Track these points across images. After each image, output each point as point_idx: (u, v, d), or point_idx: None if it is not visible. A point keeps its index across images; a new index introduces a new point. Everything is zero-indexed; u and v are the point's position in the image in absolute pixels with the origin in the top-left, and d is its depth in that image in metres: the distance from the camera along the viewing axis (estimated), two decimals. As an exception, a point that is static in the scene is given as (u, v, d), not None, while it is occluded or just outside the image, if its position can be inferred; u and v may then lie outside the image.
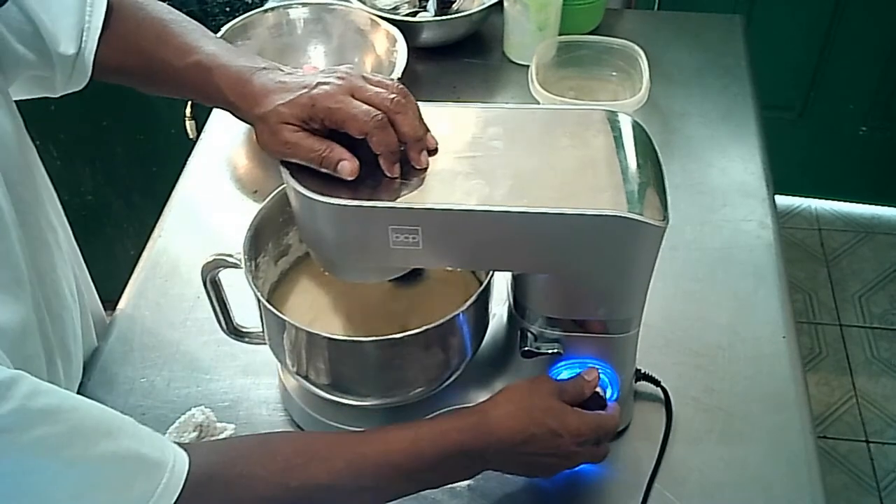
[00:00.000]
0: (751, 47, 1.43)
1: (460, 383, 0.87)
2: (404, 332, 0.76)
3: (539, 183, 0.72)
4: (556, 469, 0.81)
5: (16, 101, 0.82)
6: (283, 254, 0.91)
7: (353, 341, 0.78)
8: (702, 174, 1.22)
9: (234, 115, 0.78)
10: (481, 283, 0.81)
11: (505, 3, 1.36)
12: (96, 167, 2.02)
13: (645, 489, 0.87)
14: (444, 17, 1.38)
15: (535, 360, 0.83)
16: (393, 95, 0.72)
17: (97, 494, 0.61)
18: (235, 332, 0.91)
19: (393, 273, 0.81)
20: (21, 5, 0.77)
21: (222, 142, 1.29)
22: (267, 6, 1.36)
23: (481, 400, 0.81)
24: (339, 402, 0.86)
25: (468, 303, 0.78)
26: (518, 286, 0.82)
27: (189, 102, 1.29)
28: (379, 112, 0.71)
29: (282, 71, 0.76)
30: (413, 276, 0.86)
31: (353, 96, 0.72)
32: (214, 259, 0.84)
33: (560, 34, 1.37)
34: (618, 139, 0.76)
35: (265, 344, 0.87)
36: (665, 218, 0.71)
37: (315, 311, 0.89)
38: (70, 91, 0.85)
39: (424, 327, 0.76)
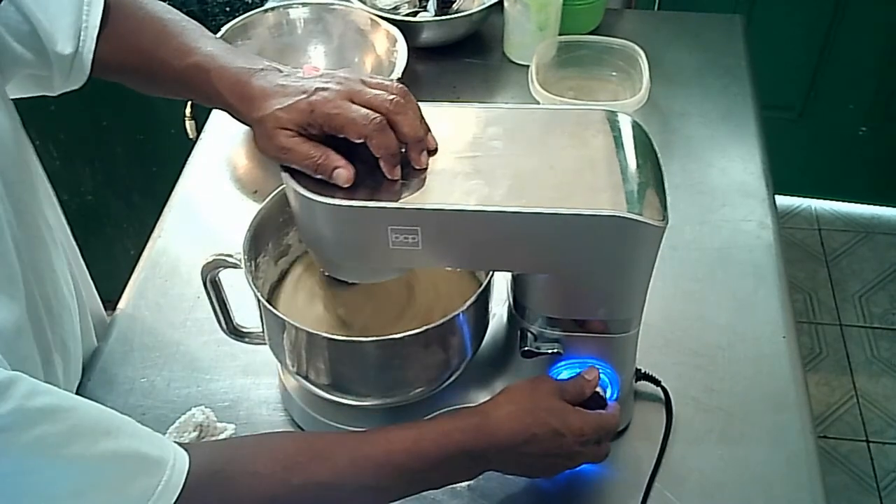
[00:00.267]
0: (751, 47, 1.43)
1: (460, 383, 0.87)
2: (404, 332, 0.76)
3: (539, 183, 0.72)
4: (557, 469, 0.82)
5: (14, 100, 0.82)
6: (283, 254, 0.91)
7: (353, 341, 0.78)
8: (701, 174, 1.22)
9: (232, 116, 0.78)
10: (481, 284, 0.81)
11: (505, 3, 1.36)
12: (96, 167, 2.02)
13: (645, 489, 0.87)
14: (444, 17, 1.38)
15: (535, 360, 0.83)
16: (392, 96, 0.72)
17: (98, 493, 0.61)
18: (235, 332, 0.91)
19: (393, 273, 0.81)
20: (18, 4, 0.77)
21: (222, 142, 1.29)
22: (267, 6, 1.36)
23: (482, 400, 0.81)
24: (339, 402, 0.86)
25: (468, 303, 0.78)
26: (518, 286, 0.82)
27: (189, 102, 1.29)
28: (377, 115, 0.70)
29: (281, 72, 0.76)
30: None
31: (352, 101, 0.71)
32: (214, 259, 0.84)
33: (560, 34, 1.37)
34: (617, 139, 0.76)
35: (265, 344, 0.87)
36: (664, 218, 0.71)
37: (315, 311, 0.89)
38: (68, 90, 0.85)
39: (424, 327, 0.76)
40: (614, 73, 1.31)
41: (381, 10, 1.39)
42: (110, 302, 1.08)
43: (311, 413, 0.90)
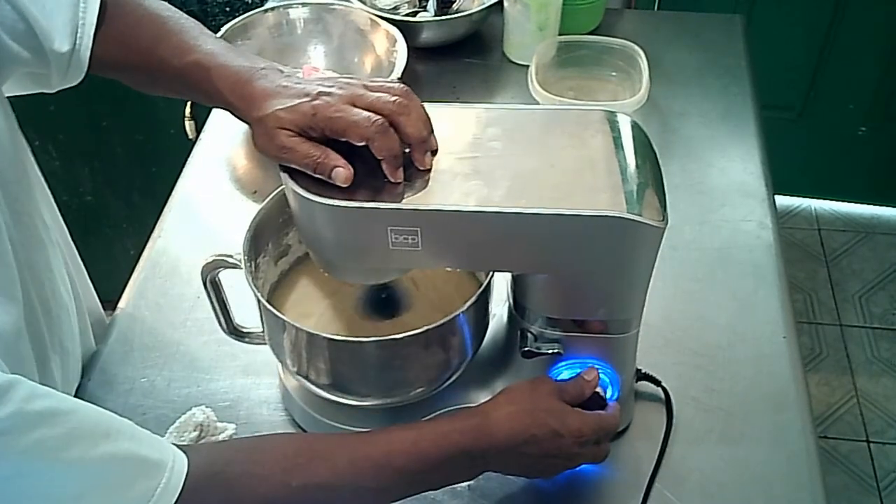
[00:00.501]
0: (751, 47, 1.43)
1: (461, 383, 0.87)
2: (405, 332, 0.76)
3: (538, 183, 0.72)
4: (557, 469, 0.81)
5: (13, 100, 0.81)
6: (283, 254, 0.91)
7: (354, 341, 0.78)
8: (701, 174, 1.22)
9: (232, 114, 0.78)
10: (481, 284, 0.81)
11: (505, 3, 1.36)
12: (95, 167, 2.02)
13: (645, 489, 0.87)
14: (444, 17, 1.38)
15: (535, 360, 0.83)
16: (395, 98, 0.72)
17: (97, 495, 0.61)
18: (236, 333, 0.91)
19: (393, 274, 0.81)
20: (14, 3, 0.76)
21: (222, 142, 1.29)
22: (267, 6, 1.36)
23: (482, 400, 0.81)
24: (339, 403, 0.86)
25: (468, 303, 0.78)
26: (518, 286, 0.82)
27: (188, 102, 1.29)
28: (380, 117, 0.70)
29: (281, 73, 0.76)
30: (389, 312, 0.87)
31: (354, 105, 0.71)
32: (214, 259, 0.84)
33: (560, 34, 1.37)
34: (617, 139, 0.76)
35: (265, 344, 0.87)
36: (664, 218, 0.71)
37: (315, 311, 0.89)
38: (65, 87, 0.85)
39: (425, 327, 0.76)
40: (614, 73, 1.31)
41: (380, 10, 1.39)
42: (110, 302, 1.08)
43: (311, 413, 0.90)
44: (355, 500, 0.75)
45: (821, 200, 2.55)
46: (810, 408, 0.95)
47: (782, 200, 2.50)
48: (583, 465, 0.82)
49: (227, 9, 1.75)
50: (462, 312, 0.78)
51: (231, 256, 0.83)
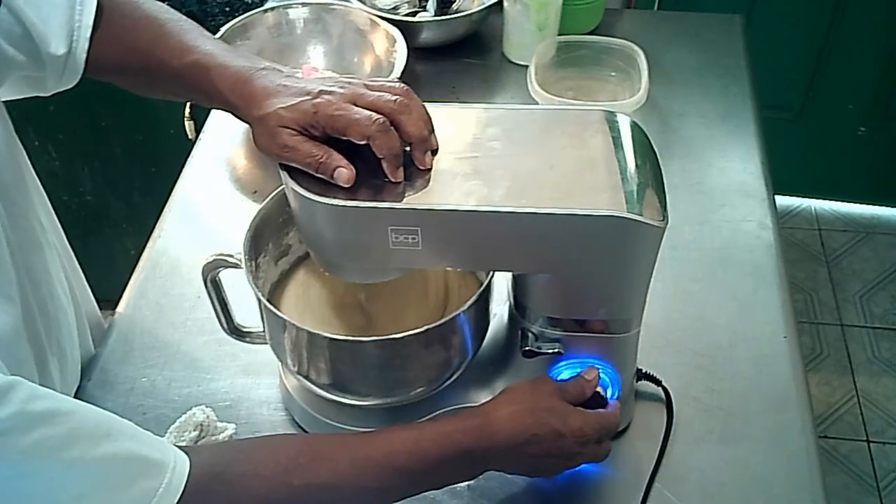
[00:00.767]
0: (750, 47, 1.43)
1: (461, 383, 0.87)
2: (405, 332, 0.76)
3: (538, 183, 0.72)
4: (558, 469, 0.81)
5: (9, 102, 0.81)
6: (284, 254, 0.91)
7: (354, 341, 0.78)
8: (701, 174, 1.22)
9: (232, 114, 0.78)
10: (481, 284, 0.81)
11: (504, 3, 1.36)
12: (95, 167, 2.02)
13: (645, 489, 0.87)
14: (443, 17, 1.38)
15: (535, 359, 0.83)
16: (396, 97, 0.72)
17: (98, 495, 0.61)
18: (236, 332, 0.91)
19: (393, 274, 0.81)
20: (10, 6, 0.76)
21: (222, 142, 1.29)
22: (266, 6, 1.36)
23: (482, 400, 0.81)
24: (339, 402, 0.86)
25: (469, 303, 0.78)
26: (518, 286, 0.82)
27: (188, 103, 1.29)
28: (381, 116, 0.70)
29: (281, 73, 0.76)
30: None
31: (355, 104, 0.71)
32: (215, 259, 0.84)
33: (559, 34, 1.37)
34: (616, 139, 0.76)
35: (266, 344, 0.87)
36: (664, 218, 0.71)
37: (316, 310, 0.89)
38: (61, 90, 0.85)
39: (425, 327, 0.76)
40: (613, 73, 1.31)
41: (380, 10, 1.39)
42: (110, 302, 1.08)
43: (311, 413, 0.90)
44: (356, 500, 0.75)
45: (821, 200, 2.55)
46: (811, 408, 0.95)
47: (783, 200, 2.51)
48: (583, 465, 0.82)
49: (227, 9, 1.75)
50: (463, 312, 0.78)
51: (231, 256, 0.83)
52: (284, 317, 0.78)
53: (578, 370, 0.82)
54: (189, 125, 1.33)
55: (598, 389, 0.82)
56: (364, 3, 1.39)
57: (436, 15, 1.41)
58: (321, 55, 1.37)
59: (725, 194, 1.19)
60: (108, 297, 1.10)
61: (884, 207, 2.52)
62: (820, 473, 0.89)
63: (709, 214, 1.16)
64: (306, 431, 0.91)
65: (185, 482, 0.65)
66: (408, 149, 0.73)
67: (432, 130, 0.74)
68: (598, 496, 0.88)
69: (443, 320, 0.77)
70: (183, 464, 0.66)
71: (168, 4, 0.85)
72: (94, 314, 1.06)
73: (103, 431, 0.63)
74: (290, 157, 0.72)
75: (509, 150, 0.75)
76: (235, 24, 1.31)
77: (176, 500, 0.64)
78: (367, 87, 0.73)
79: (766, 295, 1.05)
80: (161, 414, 0.94)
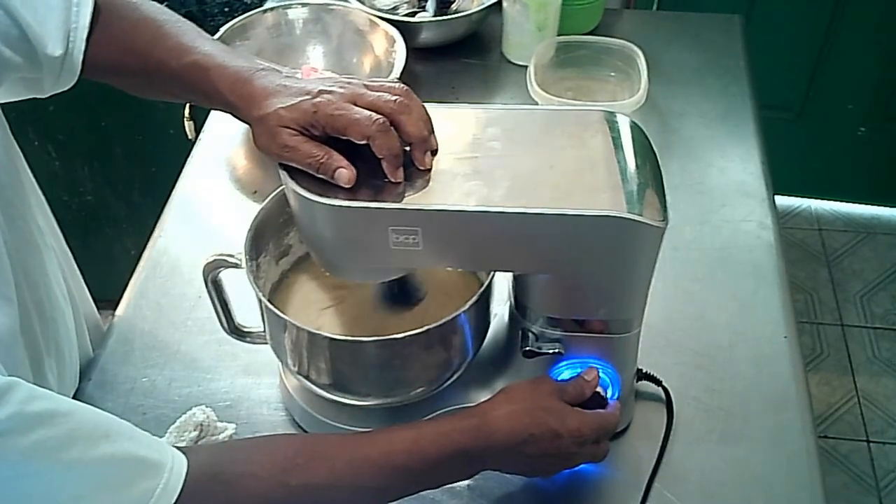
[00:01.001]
0: (750, 47, 1.43)
1: (461, 383, 0.87)
2: (405, 332, 0.76)
3: (538, 183, 0.72)
4: (556, 469, 0.82)
5: (6, 104, 0.81)
6: (284, 254, 0.91)
7: (355, 341, 0.78)
8: (701, 174, 1.22)
9: (232, 115, 0.78)
10: (482, 284, 0.81)
11: (504, 4, 1.36)
12: (95, 167, 2.02)
13: (645, 489, 0.87)
14: (442, 18, 1.38)
15: (536, 359, 0.83)
16: (395, 97, 0.72)
17: (97, 496, 0.61)
18: (236, 332, 0.91)
19: (394, 273, 0.81)
20: (6, 8, 0.76)
21: (221, 142, 1.29)
22: (266, 6, 1.36)
23: (482, 400, 0.81)
24: (340, 402, 0.86)
25: (469, 303, 0.78)
26: (519, 286, 0.82)
27: (187, 103, 1.29)
28: (381, 116, 0.70)
29: (281, 73, 0.76)
30: (409, 301, 0.86)
31: (355, 104, 0.71)
32: (215, 259, 0.84)
33: (559, 34, 1.37)
34: (616, 140, 0.76)
35: (266, 343, 0.87)
36: (665, 218, 0.71)
37: (316, 310, 0.89)
38: (58, 91, 0.85)
39: (426, 327, 0.76)
40: (613, 74, 1.31)
41: (379, 10, 1.39)
42: (110, 302, 1.08)
43: (311, 413, 0.90)
44: (355, 500, 0.75)
45: (821, 201, 2.55)
46: (811, 408, 0.95)
47: (783, 201, 2.51)
48: (582, 465, 0.82)
49: (226, 9, 1.75)
50: (463, 312, 0.78)
51: (232, 256, 0.83)
52: (285, 316, 0.78)
53: (579, 370, 0.82)
54: (189, 125, 1.33)
55: (598, 389, 0.82)
56: (363, 3, 1.39)
57: (435, 15, 1.41)
58: (320, 55, 1.37)
59: (725, 194, 1.19)
60: (108, 298, 1.10)
61: (884, 207, 2.52)
62: (820, 473, 0.89)
63: (709, 214, 1.16)
64: (306, 431, 0.92)
65: (182, 482, 0.65)
66: (408, 149, 0.73)
67: (432, 131, 0.74)
68: (597, 496, 0.88)
69: (443, 320, 0.77)
70: (180, 464, 0.66)
71: (167, 5, 0.85)
72: (92, 316, 1.06)
73: (102, 432, 0.63)
74: (291, 157, 0.72)
75: (509, 150, 0.75)
76: (235, 24, 1.31)
77: (173, 500, 0.64)
78: (366, 87, 0.73)
79: (767, 295, 1.05)
80: (161, 414, 0.94)
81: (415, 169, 0.73)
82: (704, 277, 1.08)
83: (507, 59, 1.42)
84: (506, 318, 0.88)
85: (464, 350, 0.84)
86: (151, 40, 0.81)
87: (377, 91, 0.73)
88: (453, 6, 1.42)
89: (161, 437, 0.88)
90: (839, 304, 2.31)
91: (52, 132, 1.93)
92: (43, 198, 0.94)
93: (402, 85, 0.74)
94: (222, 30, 1.29)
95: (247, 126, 0.76)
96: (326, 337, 0.78)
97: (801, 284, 2.35)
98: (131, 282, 1.09)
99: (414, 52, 1.32)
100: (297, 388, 0.92)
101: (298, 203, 0.74)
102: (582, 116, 0.79)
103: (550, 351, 0.82)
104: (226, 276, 0.86)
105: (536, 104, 1.23)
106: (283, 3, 1.36)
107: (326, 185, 0.71)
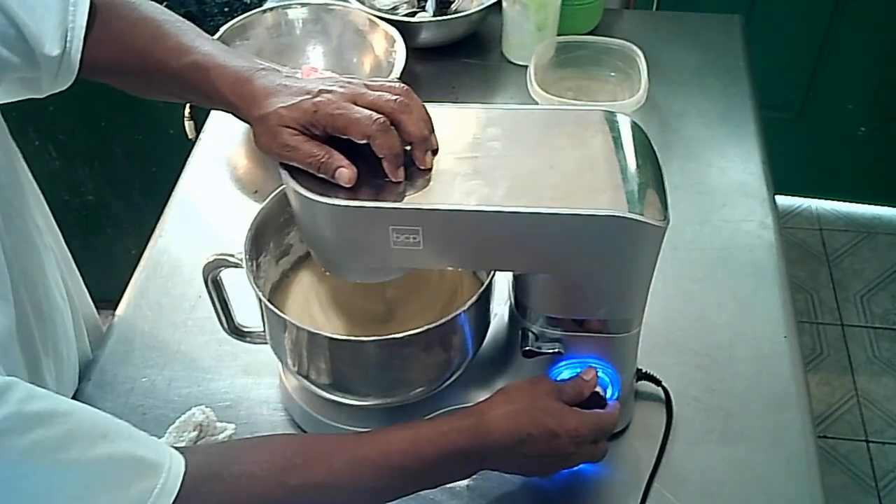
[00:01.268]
0: (750, 47, 1.43)
1: (461, 383, 0.87)
2: (405, 331, 0.76)
3: (538, 183, 0.72)
4: (554, 469, 0.82)
5: (5, 105, 0.81)
6: (285, 253, 0.91)
7: (355, 341, 0.78)
8: (701, 174, 1.22)
9: (232, 114, 0.78)
10: (482, 283, 0.81)
11: (504, 4, 1.36)
12: (95, 167, 2.02)
13: (644, 489, 0.87)
14: (442, 18, 1.38)
15: (536, 359, 0.83)
16: (396, 97, 0.72)
17: (95, 496, 0.61)
18: (236, 332, 0.91)
19: (394, 273, 0.81)
20: (3, 9, 0.75)
21: (222, 142, 1.29)
22: (265, 6, 1.36)
23: (481, 400, 0.81)
24: (339, 402, 0.86)
25: (469, 302, 0.78)
26: (519, 286, 0.82)
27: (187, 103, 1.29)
28: (381, 116, 0.70)
29: (281, 73, 0.76)
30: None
31: (355, 103, 0.71)
32: (216, 259, 0.84)
33: (558, 34, 1.37)
34: (616, 139, 0.76)
35: (266, 343, 0.87)
36: (665, 218, 0.71)
37: (316, 310, 0.89)
38: (55, 91, 0.84)
39: (426, 327, 0.76)
40: (613, 74, 1.31)
41: (379, 10, 1.39)
42: (111, 302, 1.08)
43: (311, 413, 0.90)
44: (353, 500, 0.75)
45: (822, 200, 2.55)
46: (810, 408, 0.95)
47: (784, 200, 2.51)
48: (581, 465, 0.82)
49: (226, 9, 1.75)
50: (463, 312, 0.78)
51: (232, 256, 0.83)
52: (285, 316, 0.78)
53: (578, 370, 0.82)
54: (189, 125, 1.33)
55: (598, 389, 0.82)
56: (363, 3, 1.39)
57: (435, 15, 1.41)
58: (320, 55, 1.37)
59: (726, 194, 1.19)
60: (108, 297, 1.10)
61: (885, 207, 2.52)
62: (819, 473, 0.89)
63: (709, 214, 1.16)
64: (306, 432, 0.92)
65: (180, 482, 0.65)
66: (408, 149, 0.73)
67: (432, 130, 0.74)
68: (597, 496, 0.88)
69: (443, 320, 0.77)
70: (178, 464, 0.66)
71: (166, 5, 0.85)
72: (91, 317, 1.06)
73: (100, 432, 0.63)
74: (292, 157, 0.72)
75: (510, 150, 0.75)
76: (234, 24, 1.31)
77: (171, 500, 0.64)
78: (367, 86, 0.73)
79: (767, 295, 1.05)
80: (161, 414, 0.94)
81: (415, 168, 0.73)
82: (704, 277, 1.08)
83: (507, 59, 1.42)
84: (506, 317, 0.88)
85: (463, 350, 0.84)
86: (151, 40, 0.81)
87: (377, 91, 0.73)
88: (453, 6, 1.42)
89: (160, 437, 0.88)
90: (839, 304, 2.31)
91: (53, 132, 1.93)
92: (42, 198, 0.94)
93: (403, 85, 0.74)
94: (222, 30, 1.29)
95: (247, 126, 0.76)
96: (326, 337, 0.78)
97: (801, 284, 2.35)
98: (131, 282, 1.09)
99: (414, 52, 1.32)
100: (296, 389, 0.92)
101: (299, 202, 0.74)
102: (582, 116, 0.79)
103: (550, 351, 0.82)
104: (226, 276, 0.86)
105: (536, 104, 1.23)
106: (282, 3, 1.36)
107: (327, 185, 0.71)
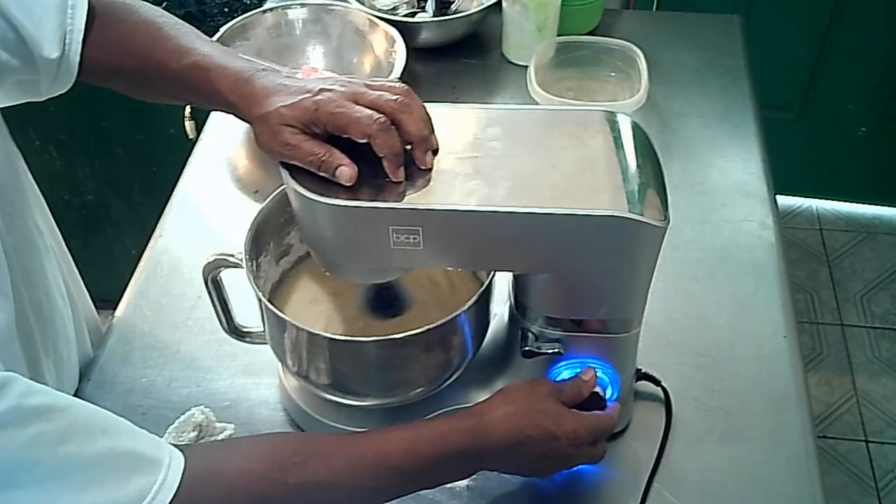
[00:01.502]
0: (750, 47, 1.43)
1: (461, 383, 0.87)
2: (405, 332, 0.76)
3: (539, 183, 0.72)
4: (552, 470, 0.82)
5: (5, 107, 0.81)
6: (285, 253, 0.91)
7: (354, 341, 0.78)
8: (701, 174, 1.22)
9: (233, 115, 0.78)
10: (482, 284, 0.81)
11: (504, 4, 1.37)
12: (96, 167, 2.02)
13: (644, 489, 0.87)
14: (442, 18, 1.39)
15: (535, 359, 0.83)
16: (396, 97, 0.72)
17: (95, 491, 0.61)
18: (236, 332, 0.91)
19: (394, 273, 0.81)
20: (1, 12, 0.76)
21: (222, 142, 1.29)
22: (265, 7, 1.36)
23: (481, 400, 0.81)
24: (339, 403, 0.86)
25: (469, 303, 0.78)
26: (519, 286, 0.82)
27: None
28: (381, 115, 0.70)
29: (281, 73, 0.76)
30: (392, 311, 0.87)
31: (355, 102, 0.71)
32: (216, 259, 0.84)
33: (558, 34, 1.37)
34: (617, 139, 0.76)
35: (266, 344, 0.87)
36: (666, 218, 0.71)
37: (316, 310, 0.89)
38: (54, 94, 0.84)
39: (425, 327, 0.76)
40: (613, 74, 1.31)
41: (379, 10, 1.39)
42: (111, 302, 1.08)
43: (311, 413, 0.90)
44: (352, 499, 0.75)
45: (823, 200, 2.55)
46: (810, 408, 0.95)
47: (784, 200, 2.51)
48: (581, 465, 0.82)
49: (226, 9, 1.75)
50: (463, 312, 0.78)
51: (232, 256, 0.83)
52: (285, 317, 0.78)
53: (578, 370, 0.82)
54: (189, 125, 1.33)
55: (598, 390, 0.82)
56: (363, 3, 1.39)
57: (435, 15, 1.41)
58: (320, 56, 1.37)
59: (726, 194, 1.19)
60: (108, 297, 1.10)
61: (885, 207, 2.52)
62: (819, 473, 0.89)
63: (709, 214, 1.16)
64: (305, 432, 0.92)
65: (179, 479, 0.65)
66: (408, 148, 0.73)
67: (433, 130, 0.74)
68: (597, 496, 0.88)
69: (443, 320, 0.77)
70: (178, 461, 0.66)
71: (167, 5, 0.85)
72: (91, 317, 1.06)
73: (99, 427, 0.63)
74: (292, 156, 0.72)
75: (510, 150, 0.75)
76: (234, 24, 1.31)
77: (171, 496, 0.64)
78: (367, 86, 0.73)
79: (767, 295, 1.05)
80: (160, 414, 0.94)
81: (415, 168, 0.73)
82: (704, 277, 1.08)
83: (507, 59, 1.42)
84: (506, 318, 0.88)
85: (463, 350, 0.84)
86: (150, 43, 0.81)
87: (378, 90, 0.73)
88: (453, 6, 1.42)
89: (160, 437, 0.88)
90: (839, 304, 2.31)
91: (53, 132, 1.93)
92: (42, 199, 0.94)
93: (403, 84, 0.74)
94: (222, 30, 1.29)
95: (247, 125, 0.76)
96: (326, 337, 0.78)
97: (801, 284, 2.35)
98: (131, 282, 1.09)
99: (414, 52, 1.32)
100: (296, 389, 0.92)
101: (299, 202, 0.74)
102: (582, 116, 0.79)
103: (550, 351, 0.82)
104: (226, 276, 0.86)
105: (537, 104, 1.23)
106: (282, 4, 1.36)
107: (327, 185, 0.71)
